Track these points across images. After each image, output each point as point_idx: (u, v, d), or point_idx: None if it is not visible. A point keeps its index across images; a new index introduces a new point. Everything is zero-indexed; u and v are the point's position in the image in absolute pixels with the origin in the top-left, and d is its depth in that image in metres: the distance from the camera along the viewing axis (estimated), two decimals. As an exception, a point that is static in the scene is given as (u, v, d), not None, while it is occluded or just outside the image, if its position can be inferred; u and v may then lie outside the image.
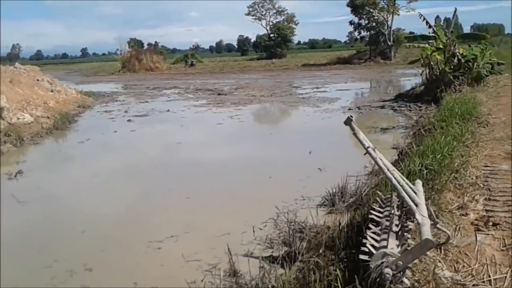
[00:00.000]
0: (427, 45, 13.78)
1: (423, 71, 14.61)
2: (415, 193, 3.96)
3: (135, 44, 64.68)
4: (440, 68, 13.46)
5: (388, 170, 3.60)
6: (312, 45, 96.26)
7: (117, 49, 50.34)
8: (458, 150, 6.42)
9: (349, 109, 14.09)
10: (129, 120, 13.97)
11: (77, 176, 7.96)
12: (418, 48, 14.51)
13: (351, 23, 41.84)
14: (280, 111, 16.23)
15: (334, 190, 5.76)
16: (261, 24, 55.29)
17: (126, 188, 7.13)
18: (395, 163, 6.95)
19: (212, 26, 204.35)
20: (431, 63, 13.95)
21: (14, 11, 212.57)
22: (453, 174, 5.36)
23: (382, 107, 14.16)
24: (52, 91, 18.90)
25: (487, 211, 4.43)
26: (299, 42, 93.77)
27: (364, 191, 5.63)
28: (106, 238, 5.08)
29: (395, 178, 3.59)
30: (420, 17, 13.49)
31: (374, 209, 4.27)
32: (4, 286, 4.14)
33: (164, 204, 6.18)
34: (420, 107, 12.99)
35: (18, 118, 12.39)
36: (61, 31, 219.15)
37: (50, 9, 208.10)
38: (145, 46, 74.29)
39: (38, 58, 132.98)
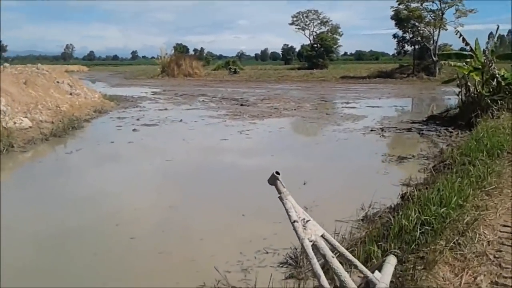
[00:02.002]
0: (464, 64, 12.22)
1: (460, 92, 13.07)
2: (373, 285, 2.75)
3: (180, 49, 65.21)
4: (478, 90, 11.88)
5: (316, 257, 2.41)
6: (359, 56, 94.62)
7: (166, 53, 50.33)
8: (474, 199, 5.09)
9: (372, 130, 12.69)
10: (134, 130, 13.14)
11: (34, 198, 7.05)
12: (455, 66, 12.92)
13: (394, 36, 40.04)
14: (295, 128, 14.96)
15: (302, 245, 4.54)
16: (304, 34, 54.27)
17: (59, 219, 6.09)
18: (395, 209, 5.71)
19: (259, 34, 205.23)
20: (468, 84, 12.38)
21: (72, 14, 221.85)
22: (457, 238, 4.07)
23: (409, 129, 12.66)
24: (71, 94, 18.48)
25: (489, 305, 3.14)
26: (345, 53, 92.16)
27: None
28: None
29: (335, 267, 2.41)
30: (456, 34, 12.00)
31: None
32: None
33: (90, 250, 5.00)
34: (451, 132, 11.49)
35: (15, 123, 11.76)
36: (115, 34, 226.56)
37: (107, 13, 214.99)
38: (191, 52, 75.04)
39: (90, 59, 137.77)
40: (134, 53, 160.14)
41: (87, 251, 4.87)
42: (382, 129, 12.74)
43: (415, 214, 4.42)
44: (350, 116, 15.94)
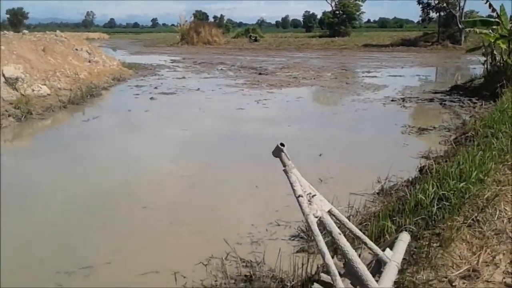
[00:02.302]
0: (490, 31, 11.69)
1: (485, 61, 12.59)
2: (384, 263, 2.64)
3: (200, 16, 64.59)
4: (504, 59, 11.39)
5: (319, 234, 2.29)
6: (382, 24, 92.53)
7: (186, 21, 49.80)
8: (496, 174, 4.89)
9: (392, 100, 12.37)
10: (151, 98, 13.07)
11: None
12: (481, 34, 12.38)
13: (419, 2, 38.73)
14: (313, 98, 14.65)
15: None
16: (326, 1, 53.00)
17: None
18: (412, 183, 5.54)
19: (280, 0, 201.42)
20: (494, 52, 11.88)
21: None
22: (476, 214, 3.91)
23: (431, 100, 12.30)
24: (89, 61, 18.43)
25: (507, 286, 3.00)
26: (368, 20, 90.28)
27: (353, 223, 4.27)
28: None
29: (342, 245, 2.30)
30: (482, -1, 11.42)
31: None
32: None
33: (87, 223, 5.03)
34: (474, 103, 11.11)
35: (33, 90, 11.78)
36: (135, 1, 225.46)
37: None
38: (211, 19, 74.30)
39: (111, 26, 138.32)
40: (154, 20, 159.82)
41: (97, 219, 4.88)
42: (403, 99, 12.41)
43: (432, 188, 4.27)
44: (370, 85, 15.57)
